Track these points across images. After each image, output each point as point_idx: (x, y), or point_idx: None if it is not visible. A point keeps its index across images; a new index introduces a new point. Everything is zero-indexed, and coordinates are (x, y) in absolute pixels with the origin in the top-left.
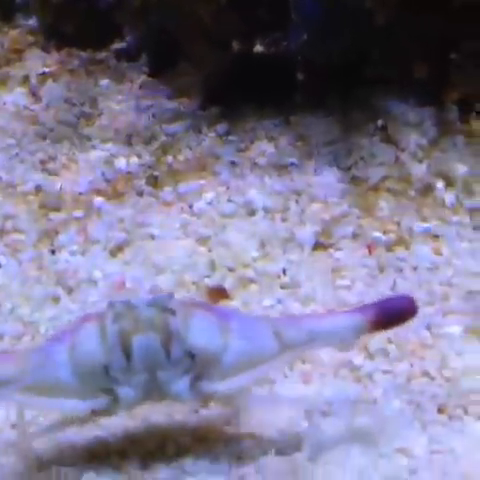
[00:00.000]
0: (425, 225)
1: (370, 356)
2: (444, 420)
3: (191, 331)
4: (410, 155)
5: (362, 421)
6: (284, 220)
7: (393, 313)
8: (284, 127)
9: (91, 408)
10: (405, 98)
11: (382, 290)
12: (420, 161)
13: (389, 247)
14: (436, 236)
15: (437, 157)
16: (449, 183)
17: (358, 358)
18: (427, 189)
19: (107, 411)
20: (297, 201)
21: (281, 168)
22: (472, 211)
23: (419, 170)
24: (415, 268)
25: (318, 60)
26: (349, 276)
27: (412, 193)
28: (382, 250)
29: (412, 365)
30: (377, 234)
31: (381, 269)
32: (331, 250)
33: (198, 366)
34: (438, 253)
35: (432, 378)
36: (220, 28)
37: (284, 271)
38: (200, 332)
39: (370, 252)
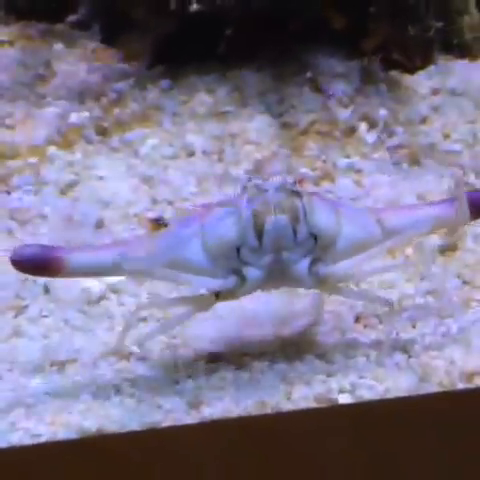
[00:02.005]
0: (348, 161)
1: None
2: (360, 328)
3: (314, 214)
4: (336, 102)
5: (286, 331)
6: (220, 160)
7: None
8: (222, 80)
9: (220, 287)
10: (333, 52)
11: None
12: (346, 107)
13: (316, 181)
14: (358, 170)
15: (361, 103)
16: (371, 125)
17: None
18: (351, 130)
19: (231, 293)
20: (232, 144)
21: (218, 116)
22: (392, 149)
23: (344, 114)
24: (340, 198)
25: (249, 15)
26: None
27: (337, 134)
28: (310, 184)
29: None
30: (305, 170)
31: None
32: None
33: (318, 248)
34: (360, 185)
35: None
36: None
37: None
38: (322, 215)
39: (299, 186)
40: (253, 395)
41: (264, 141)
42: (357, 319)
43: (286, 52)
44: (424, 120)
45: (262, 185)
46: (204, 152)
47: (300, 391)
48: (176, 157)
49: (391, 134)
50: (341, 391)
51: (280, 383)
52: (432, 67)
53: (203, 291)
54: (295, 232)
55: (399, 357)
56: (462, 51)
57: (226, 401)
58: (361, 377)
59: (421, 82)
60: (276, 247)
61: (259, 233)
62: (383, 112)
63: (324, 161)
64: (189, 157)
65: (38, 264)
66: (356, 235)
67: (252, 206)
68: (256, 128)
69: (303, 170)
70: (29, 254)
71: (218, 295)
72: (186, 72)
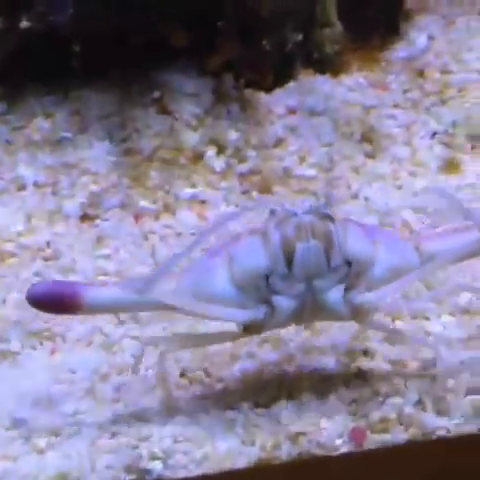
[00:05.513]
0: (192, 191)
1: (121, 322)
2: (185, 384)
3: (349, 239)
4: (184, 124)
5: (104, 387)
6: (54, 194)
7: None
8: (62, 103)
9: (249, 318)
10: (184, 70)
11: (143, 258)
12: (194, 130)
13: (156, 215)
14: (203, 202)
15: (210, 125)
16: (220, 150)
17: (108, 326)
18: (198, 156)
19: (260, 325)
20: (68, 175)
21: (55, 143)
22: (241, 176)
23: (192, 139)
24: (179, 234)
25: (86, 32)
26: (112, 245)
27: (183, 161)
28: (149, 218)
29: (164, 328)
30: (145, 203)
31: (145, 237)
32: (98, 220)
33: (352, 275)
34: (202, 218)
35: None
36: None
37: (48, 243)
38: (356, 241)
39: (136, 221)
40: (54, 465)
41: (103, 171)
42: (182, 374)
43: (133, 71)
44: (279, 143)
45: (291, 209)
46: (36, 184)
47: (106, 460)
48: (4, 191)
49: (242, 159)
50: (152, 458)
51: (86, 449)
52: (291, 84)
53: (227, 326)
54: (328, 259)
55: (224, 416)
56: (323, 66)
57: (26, 471)
58: (177, 441)
59: (277, 101)
60: (308, 275)
61: (289, 260)
62: (234, 135)
63: (167, 192)
64: (19, 191)
65: (54, 301)
66: (392, 262)
67: (281, 231)
68: (94, 156)
69: (142, 203)
70: (43, 291)
71: (245, 329)
72: (25, 94)
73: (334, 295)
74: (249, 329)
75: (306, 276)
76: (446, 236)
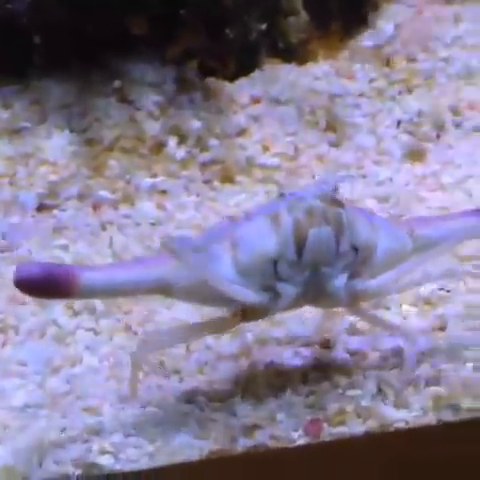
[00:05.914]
0: (152, 181)
1: (75, 314)
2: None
3: (356, 225)
4: (145, 114)
5: (55, 380)
6: (11, 184)
7: None
8: (22, 92)
9: (258, 300)
10: (146, 59)
11: (100, 248)
12: (156, 119)
13: (115, 205)
14: (163, 191)
15: (173, 114)
16: (182, 139)
17: (62, 318)
18: (159, 146)
19: (262, 311)
20: (26, 165)
21: (13, 133)
22: (203, 165)
23: (153, 128)
24: (138, 224)
25: (46, 21)
26: (70, 236)
27: (144, 151)
28: (107, 208)
29: (119, 320)
30: (104, 193)
31: (104, 227)
32: (55, 211)
33: (357, 262)
34: (162, 208)
35: (135, 333)
36: None
37: (3, 235)
38: (363, 226)
39: (95, 211)
40: (1, 459)
41: (62, 161)
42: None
43: (94, 60)
44: (242, 132)
45: (300, 193)
46: None
47: (54, 454)
48: None
49: (204, 148)
50: (102, 453)
51: (34, 444)
52: (256, 73)
53: (223, 313)
54: (338, 245)
55: (179, 409)
56: (289, 55)
57: None
58: (129, 435)
59: (241, 90)
60: (316, 261)
61: (300, 246)
62: (196, 124)
63: (128, 182)
64: None
65: (46, 284)
66: (391, 247)
67: (293, 216)
68: (54, 146)
69: (102, 192)
70: (33, 272)
71: (245, 315)
72: None
73: (337, 282)
74: (248, 315)
75: (314, 262)
76: (438, 221)
